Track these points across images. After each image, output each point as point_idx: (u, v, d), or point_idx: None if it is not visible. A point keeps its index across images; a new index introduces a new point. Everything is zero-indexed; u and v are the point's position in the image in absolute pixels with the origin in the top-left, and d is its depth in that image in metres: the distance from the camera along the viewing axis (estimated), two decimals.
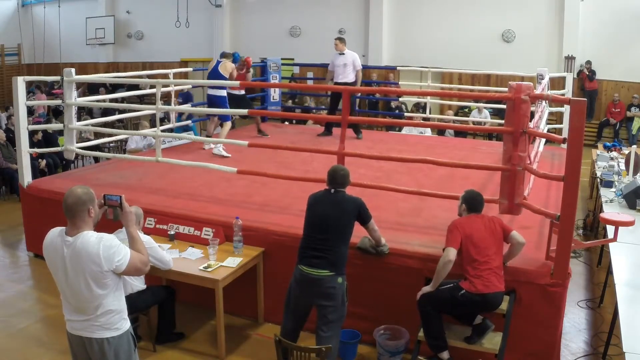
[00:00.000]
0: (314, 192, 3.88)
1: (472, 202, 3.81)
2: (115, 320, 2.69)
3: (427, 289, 3.76)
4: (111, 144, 10.06)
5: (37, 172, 7.88)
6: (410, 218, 4.91)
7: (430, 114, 10.10)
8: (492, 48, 13.53)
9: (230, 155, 7.08)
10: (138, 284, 4.17)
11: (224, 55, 7.65)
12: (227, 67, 7.34)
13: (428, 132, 9.84)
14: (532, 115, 5.15)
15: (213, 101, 7.36)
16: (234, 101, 7.81)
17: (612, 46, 12.63)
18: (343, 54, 8.30)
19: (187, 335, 4.48)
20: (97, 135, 8.51)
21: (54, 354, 4.18)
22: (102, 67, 18.11)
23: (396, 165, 6.38)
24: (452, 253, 3.62)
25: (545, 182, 5.39)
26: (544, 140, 6.23)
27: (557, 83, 9.85)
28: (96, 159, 8.71)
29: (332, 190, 3.76)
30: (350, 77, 8.31)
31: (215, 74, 7.30)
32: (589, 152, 8.75)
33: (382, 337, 4.09)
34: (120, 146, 10.25)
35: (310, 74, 14.44)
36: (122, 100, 10.57)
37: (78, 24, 17.93)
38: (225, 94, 7.40)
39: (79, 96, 7.11)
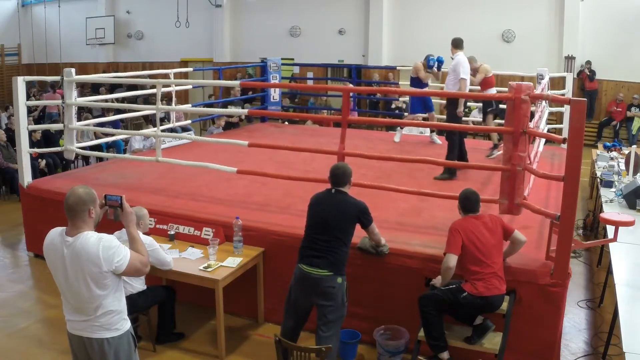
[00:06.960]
0: (315, 192, 3.89)
1: (467, 203, 3.80)
2: (116, 321, 2.69)
3: (436, 282, 3.78)
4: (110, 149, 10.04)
5: (37, 172, 7.88)
6: (410, 218, 4.91)
7: None
8: (492, 48, 13.50)
9: (440, 142, 7.86)
10: (138, 285, 4.17)
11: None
12: (416, 67, 8.36)
13: (428, 132, 9.81)
14: (532, 115, 5.15)
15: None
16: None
17: (613, 46, 12.63)
18: (452, 58, 6.77)
19: (187, 335, 4.48)
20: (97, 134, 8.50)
21: (54, 354, 4.18)
22: (102, 67, 18.10)
23: (396, 165, 6.38)
24: (452, 260, 3.61)
25: (545, 182, 5.39)
26: (544, 140, 6.23)
27: (557, 83, 9.86)
28: (97, 159, 8.69)
29: (333, 191, 3.76)
30: (449, 86, 6.71)
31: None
32: (589, 152, 8.75)
33: (382, 337, 4.09)
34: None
35: (310, 74, 14.45)
36: (123, 100, 10.56)
37: (78, 24, 17.93)
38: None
39: (78, 96, 7.09)
